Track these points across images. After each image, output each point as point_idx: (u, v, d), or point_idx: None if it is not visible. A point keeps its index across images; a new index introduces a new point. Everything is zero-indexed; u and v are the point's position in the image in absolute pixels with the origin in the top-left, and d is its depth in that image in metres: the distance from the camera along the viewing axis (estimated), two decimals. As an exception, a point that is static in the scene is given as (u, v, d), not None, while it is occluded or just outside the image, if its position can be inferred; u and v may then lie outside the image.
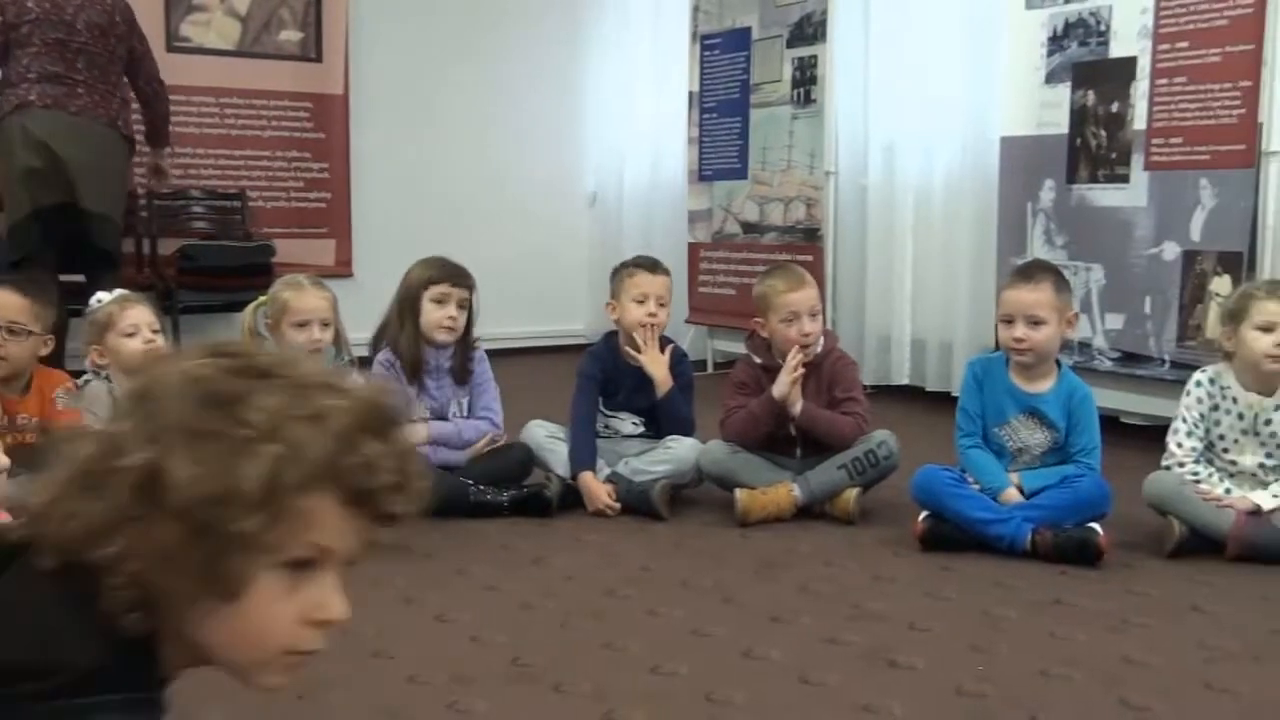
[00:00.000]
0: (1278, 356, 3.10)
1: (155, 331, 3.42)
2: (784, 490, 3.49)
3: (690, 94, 6.67)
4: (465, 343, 3.79)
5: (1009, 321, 3.23)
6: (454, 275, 3.75)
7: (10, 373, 3.19)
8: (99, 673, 0.96)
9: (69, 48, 5.04)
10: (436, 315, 3.71)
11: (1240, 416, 3.18)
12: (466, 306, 3.76)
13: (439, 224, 6.58)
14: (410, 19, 6.93)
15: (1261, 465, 3.17)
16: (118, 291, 3.49)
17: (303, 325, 3.48)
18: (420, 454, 3.27)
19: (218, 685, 1.15)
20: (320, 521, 1.01)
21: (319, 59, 6.74)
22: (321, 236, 6.80)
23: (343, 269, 6.67)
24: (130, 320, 3.38)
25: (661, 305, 3.75)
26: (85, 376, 3.39)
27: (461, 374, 3.78)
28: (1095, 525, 3.08)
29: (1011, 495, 3.17)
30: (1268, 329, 3.11)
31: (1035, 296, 3.20)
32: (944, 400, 5.08)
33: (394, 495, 1.04)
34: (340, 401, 1.02)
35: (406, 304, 3.75)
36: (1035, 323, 3.19)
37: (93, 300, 3.47)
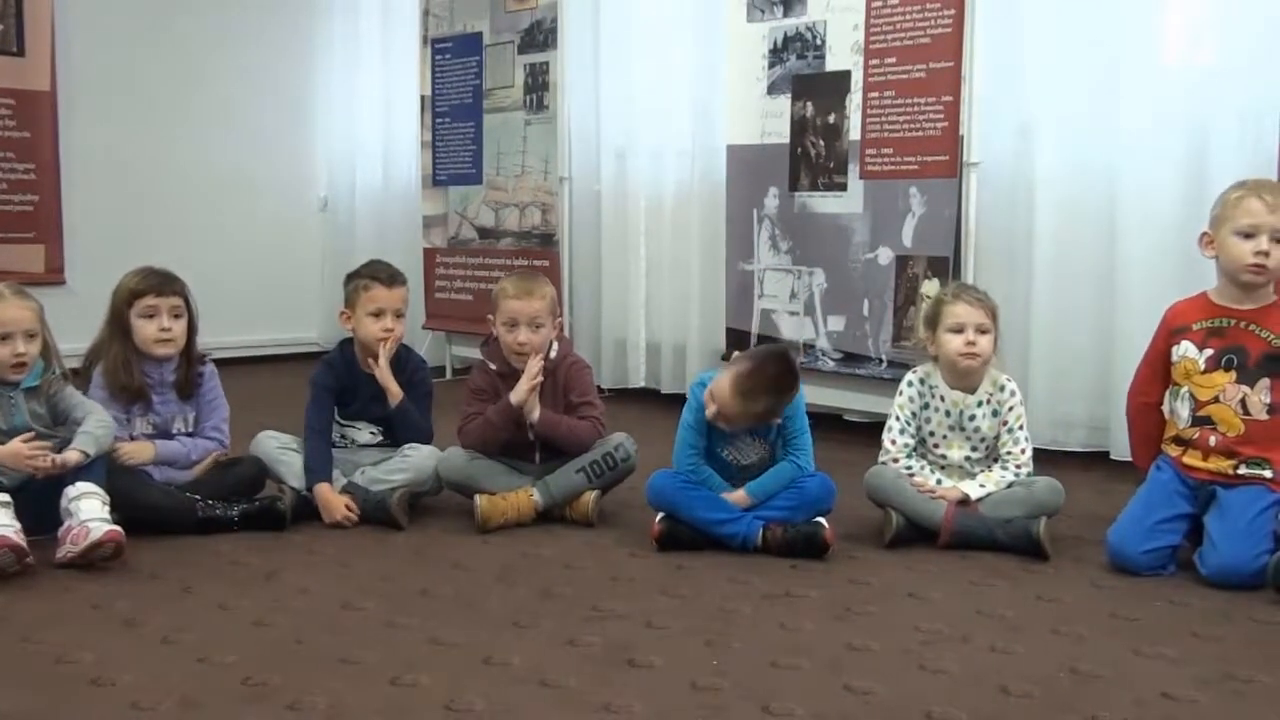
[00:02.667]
0: (968, 354, 3.33)
1: None
2: (524, 495, 3.50)
3: (422, 98, 6.61)
4: (189, 354, 3.63)
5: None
6: (160, 285, 3.57)
7: None
8: None
9: None
10: (149, 330, 3.54)
11: (947, 414, 3.40)
12: (182, 315, 3.60)
13: (160, 227, 6.30)
14: (122, 10, 6.60)
15: (968, 458, 3.40)
16: None
17: (4, 339, 3.25)
18: (145, 471, 3.15)
19: None
20: None
21: (21, 53, 6.33)
22: (29, 241, 6.38)
23: (54, 276, 6.29)
24: None
25: (399, 317, 3.70)
26: None
27: (186, 388, 3.62)
28: (822, 520, 3.22)
29: (741, 497, 3.27)
30: (958, 330, 3.34)
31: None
32: (679, 402, 5.19)
33: None
34: None
35: (115, 320, 3.56)
36: None
37: None
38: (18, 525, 3.00)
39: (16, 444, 3.16)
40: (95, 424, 3.27)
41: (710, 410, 3.24)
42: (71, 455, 3.16)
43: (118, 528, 3.06)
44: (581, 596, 2.87)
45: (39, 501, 3.11)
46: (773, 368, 3.20)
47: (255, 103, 7.09)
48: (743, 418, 3.22)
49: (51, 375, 3.35)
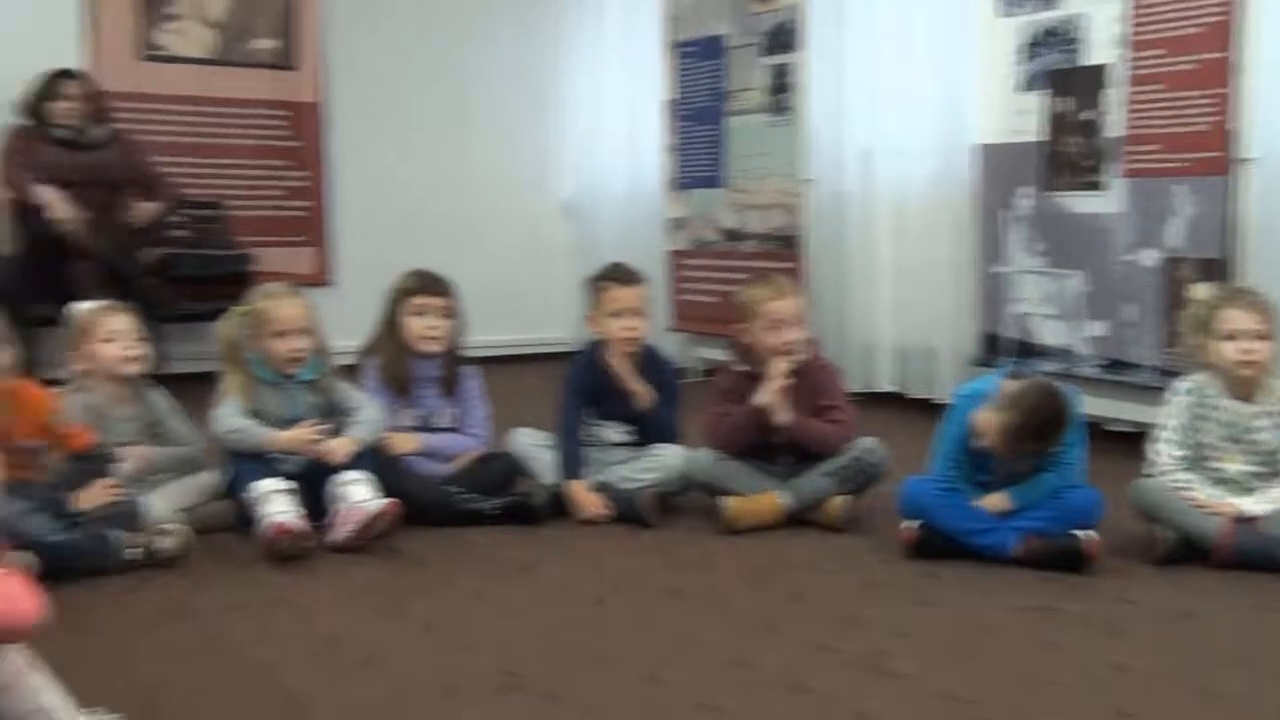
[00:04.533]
0: (1246, 362, 3.13)
1: (138, 339, 3.40)
2: (771, 498, 3.49)
3: (666, 102, 6.68)
4: (453, 353, 3.80)
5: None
6: (431, 285, 3.77)
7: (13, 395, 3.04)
8: None
9: None
10: (418, 326, 3.73)
11: (1225, 425, 3.20)
12: (450, 315, 3.77)
13: (417, 231, 6.56)
14: (382, 27, 6.91)
15: (1248, 472, 3.18)
16: (104, 304, 3.48)
17: (282, 335, 3.46)
18: (409, 462, 3.30)
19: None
20: None
21: (293, 67, 6.71)
22: (301, 245, 6.76)
23: (322, 277, 6.63)
24: (111, 327, 3.37)
25: (638, 316, 3.74)
26: (64, 386, 3.36)
27: (449, 385, 3.79)
28: (1085, 533, 3.08)
29: (1001, 501, 3.16)
30: (1232, 337, 3.14)
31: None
32: (926, 407, 5.09)
33: None
34: None
35: (388, 317, 3.77)
36: None
37: (70, 309, 3.45)
38: (300, 511, 3.18)
39: (300, 430, 3.36)
40: (367, 414, 3.47)
41: (979, 440, 3.13)
42: (345, 442, 3.34)
43: (394, 499, 3.21)
44: (832, 602, 2.84)
45: (313, 490, 3.29)
46: (1041, 417, 3.05)
47: (504, 109, 7.30)
48: (1013, 456, 3.12)
49: (324, 372, 3.54)
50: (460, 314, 3.83)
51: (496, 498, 3.56)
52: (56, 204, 5.22)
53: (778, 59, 5.96)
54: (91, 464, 3.13)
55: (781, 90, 5.94)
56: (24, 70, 5.48)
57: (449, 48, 7.11)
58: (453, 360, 3.81)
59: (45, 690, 1.77)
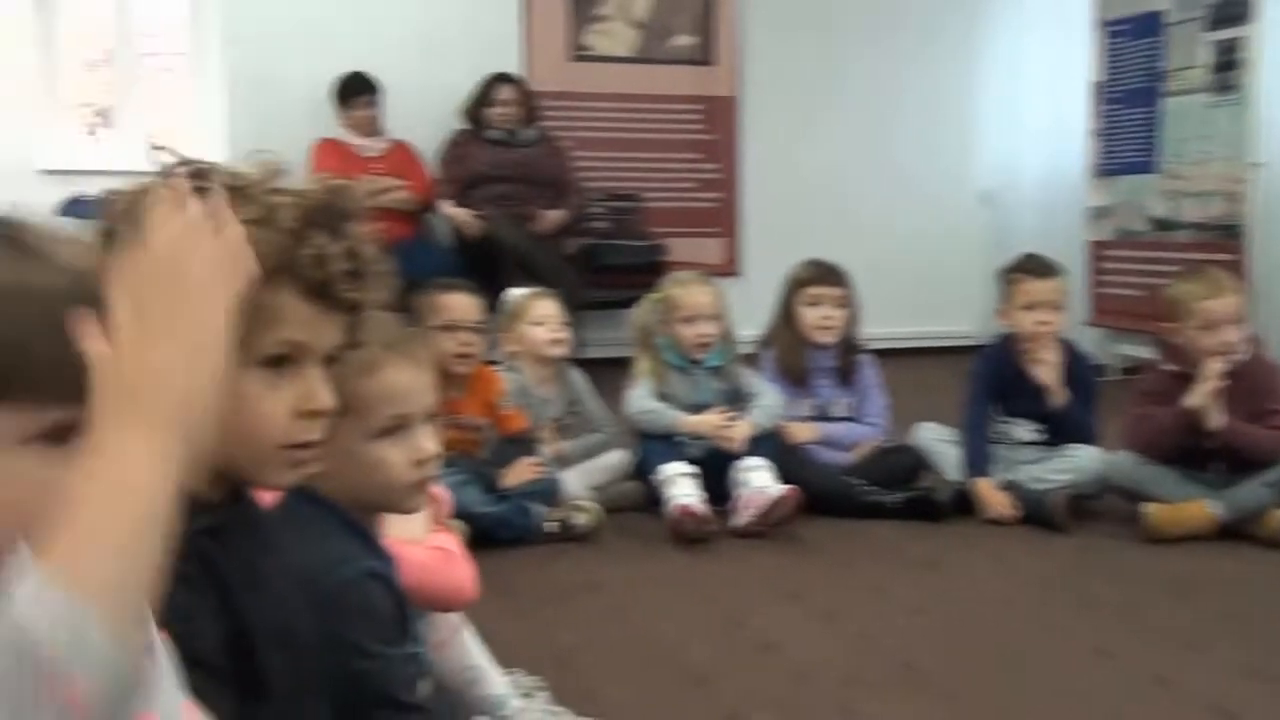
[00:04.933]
0: None
1: (562, 324, 3.60)
2: (1200, 507, 3.22)
3: (1093, 84, 6.31)
4: (848, 343, 3.77)
5: None
6: (826, 276, 3.76)
7: (470, 371, 3.32)
8: None
9: None
10: (812, 316, 3.73)
11: None
12: (844, 305, 3.75)
13: (825, 223, 6.54)
14: (799, 21, 6.94)
15: None
16: (533, 290, 3.71)
17: (690, 320, 3.55)
18: (807, 451, 3.30)
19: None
20: (286, 316, 1.06)
21: (711, 62, 6.88)
22: (711, 236, 6.93)
23: (730, 267, 6.77)
24: (539, 312, 3.58)
25: (1053, 310, 3.56)
26: (496, 366, 3.60)
27: (845, 374, 3.77)
28: None
29: None
30: None
31: None
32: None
33: (351, 283, 1.09)
34: (288, 200, 1.07)
35: (784, 307, 3.80)
36: None
37: (506, 294, 3.70)
38: (702, 495, 3.26)
39: (711, 415, 3.44)
40: (768, 402, 3.51)
41: None
42: (741, 427, 3.39)
43: (795, 486, 3.23)
44: (1268, 623, 2.59)
45: (715, 475, 3.35)
46: None
47: (919, 101, 7.15)
48: None
49: (729, 358, 3.61)
50: (856, 304, 3.79)
51: (899, 491, 3.49)
52: (462, 221, 5.60)
53: (1224, 33, 5.49)
54: (520, 446, 3.35)
55: (1228, 67, 5.47)
56: (470, 75, 5.92)
57: (862, 35, 7.05)
58: (848, 350, 3.79)
59: (475, 650, 1.90)
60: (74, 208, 4.58)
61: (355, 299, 1.10)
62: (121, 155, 5.58)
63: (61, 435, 0.73)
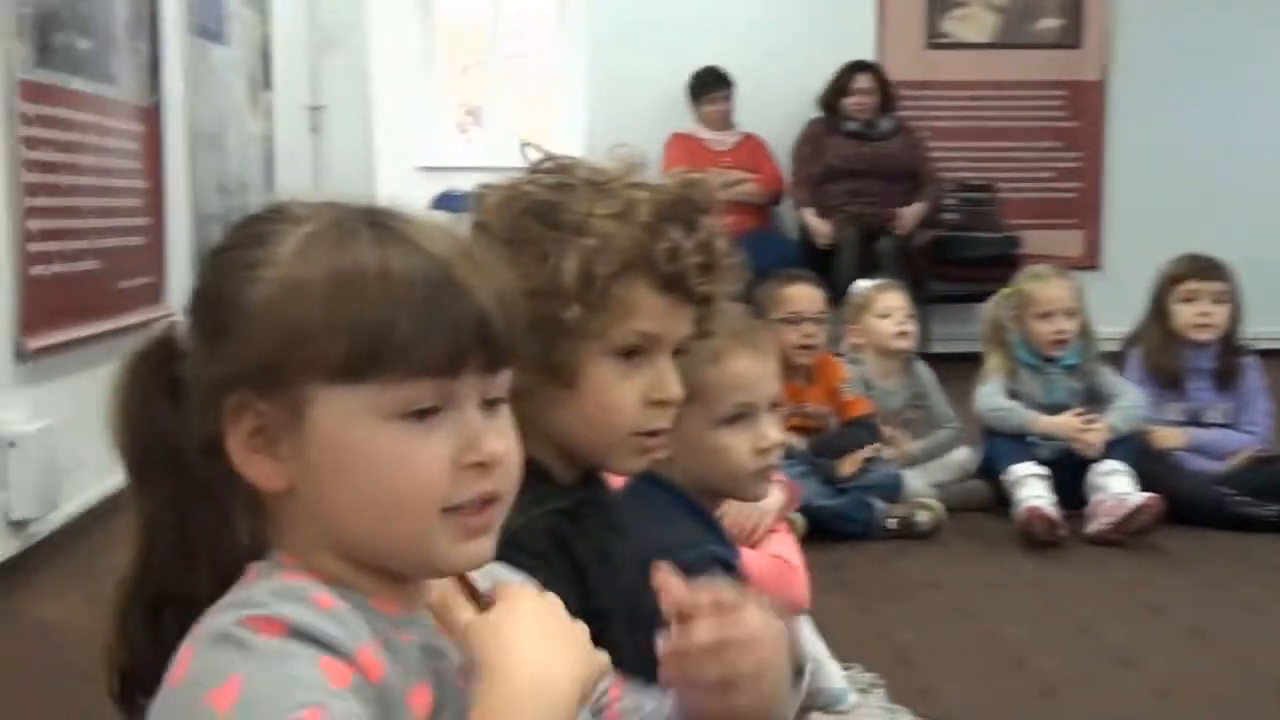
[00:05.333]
0: None
1: (908, 317, 3.53)
2: None
3: None
4: (1229, 343, 3.50)
5: None
6: (1204, 270, 3.51)
7: (812, 362, 3.33)
8: None
9: None
10: (1187, 314, 3.49)
11: None
12: (1225, 302, 3.48)
13: (1197, 215, 6.10)
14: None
15: None
16: (878, 282, 3.67)
17: (1046, 316, 3.40)
18: (1175, 457, 3.10)
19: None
20: (640, 309, 1.09)
21: (1078, 45, 6.56)
22: (1069, 228, 6.62)
23: (1090, 261, 6.44)
24: (886, 304, 3.52)
25: None
26: (840, 358, 3.57)
27: (1225, 378, 3.50)
28: None
29: None
30: None
31: None
32: None
33: (703, 276, 1.10)
34: (645, 195, 1.09)
35: (1156, 304, 3.58)
36: None
37: (854, 287, 3.67)
38: (1053, 498, 3.13)
39: (1069, 417, 3.29)
40: (1129, 403, 3.32)
41: None
42: (1103, 430, 3.23)
43: (1156, 495, 3.05)
44: None
45: (1071, 478, 3.20)
46: None
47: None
48: None
49: (1090, 356, 3.43)
50: (1238, 301, 3.51)
51: (1276, 504, 3.22)
52: (819, 230, 5.56)
53: None
54: (859, 433, 3.31)
55: None
56: (823, 67, 5.89)
57: (1245, 13, 6.53)
58: (1229, 351, 3.51)
59: (813, 641, 1.90)
60: (446, 202, 4.91)
61: (707, 292, 1.12)
62: (490, 152, 5.94)
63: (422, 414, 0.77)
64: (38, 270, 2.91)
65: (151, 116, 3.72)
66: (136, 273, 3.57)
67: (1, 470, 2.74)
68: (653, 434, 1.13)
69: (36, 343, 2.89)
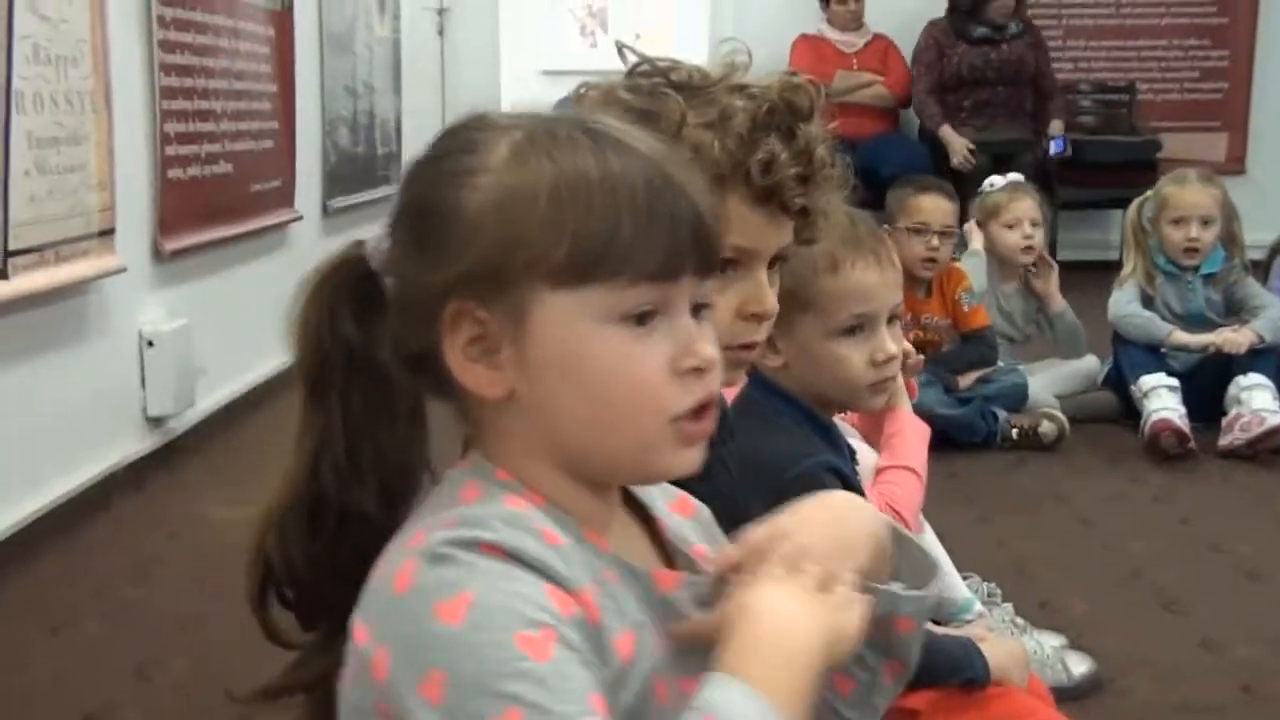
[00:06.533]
0: None
1: (1035, 225, 3.43)
2: None
3: None
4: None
5: None
6: None
7: (937, 274, 3.26)
8: None
9: None
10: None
11: None
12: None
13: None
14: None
15: None
16: (1011, 177, 3.55)
17: (1179, 222, 3.27)
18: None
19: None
20: (734, 223, 1.04)
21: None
22: (1214, 130, 6.34)
23: (1234, 166, 6.17)
24: (1014, 213, 3.42)
25: None
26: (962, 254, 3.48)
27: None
28: None
29: None
30: None
31: None
32: None
33: (800, 188, 1.07)
34: (741, 103, 1.05)
35: None
36: None
37: (986, 183, 3.56)
38: (1183, 410, 3.04)
39: (1203, 335, 3.19)
40: (1275, 314, 3.20)
41: None
42: (1245, 334, 3.13)
43: None
44: None
45: (1205, 390, 3.11)
46: None
47: None
48: None
49: (1231, 264, 3.31)
50: None
51: None
52: (953, 143, 5.37)
53: None
54: (980, 345, 3.26)
55: None
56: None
57: None
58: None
59: (937, 552, 1.88)
60: (567, 106, 4.89)
61: (804, 204, 1.09)
62: (614, 55, 5.88)
63: (642, 318, 0.77)
64: (174, 173, 2.99)
65: (283, 20, 3.77)
66: (267, 176, 3.65)
67: (139, 368, 2.85)
68: (747, 346, 1.11)
69: (173, 244, 2.98)
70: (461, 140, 0.81)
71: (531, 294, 0.76)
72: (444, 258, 0.77)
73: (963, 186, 3.98)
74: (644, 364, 0.77)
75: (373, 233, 0.84)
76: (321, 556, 0.83)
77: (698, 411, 0.79)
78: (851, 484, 1.42)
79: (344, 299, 0.84)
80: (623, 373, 0.77)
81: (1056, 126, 5.49)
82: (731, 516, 1.10)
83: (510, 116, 0.82)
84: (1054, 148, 5.39)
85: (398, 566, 0.74)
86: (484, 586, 0.71)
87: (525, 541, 0.73)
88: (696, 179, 0.81)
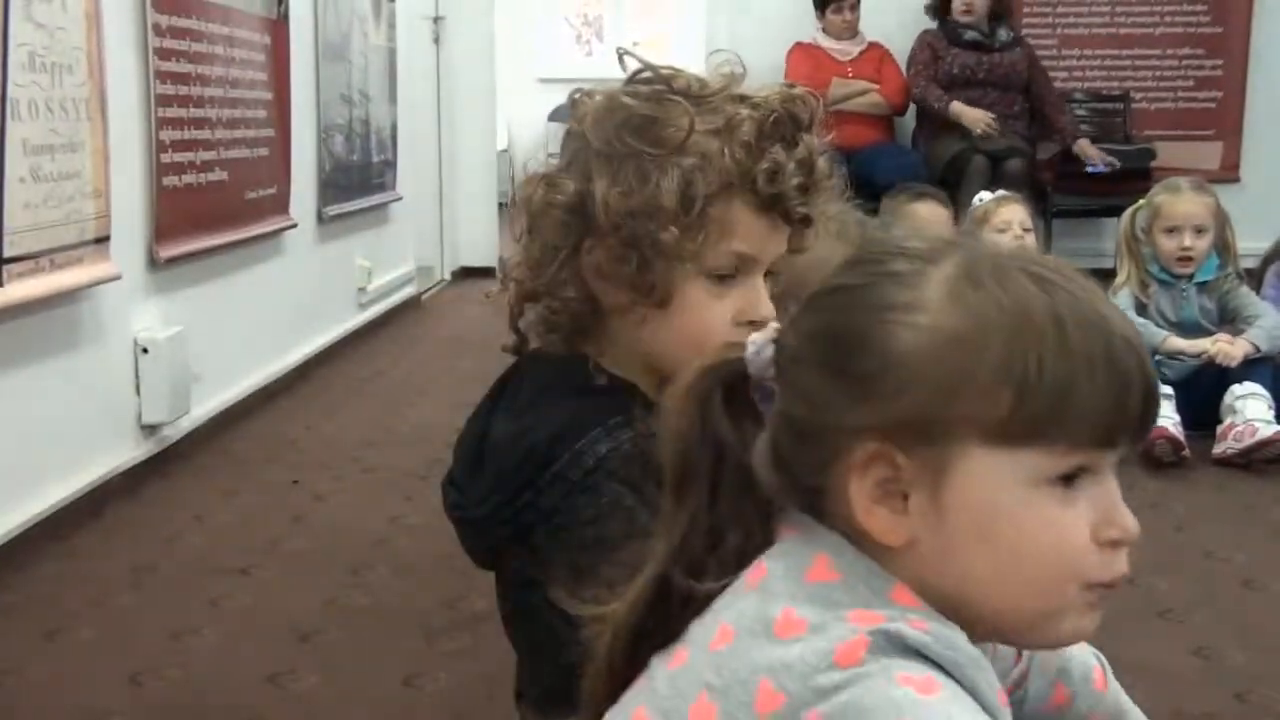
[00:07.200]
0: None
1: (1025, 230, 3.44)
2: None
3: None
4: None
5: None
6: None
7: None
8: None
9: None
10: (1333, 228, 3.34)
11: None
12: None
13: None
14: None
15: None
16: (1000, 193, 3.57)
17: (1174, 231, 3.29)
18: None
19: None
20: (736, 229, 1.07)
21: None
22: (1206, 139, 6.35)
23: (1230, 173, 6.18)
24: (1004, 216, 3.43)
25: None
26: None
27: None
28: None
29: None
30: None
31: None
32: None
33: (802, 197, 1.09)
34: (747, 111, 1.07)
35: None
36: None
37: (976, 199, 3.59)
38: (1177, 419, 3.05)
39: (1197, 342, 3.20)
40: (1270, 323, 3.21)
41: None
42: (1240, 345, 3.13)
43: None
44: None
45: (1200, 398, 3.12)
46: None
47: None
48: None
49: (1225, 273, 3.31)
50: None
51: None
52: (967, 115, 5.40)
53: None
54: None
55: None
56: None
57: None
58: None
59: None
60: (563, 114, 4.90)
61: (805, 213, 1.10)
62: (610, 63, 5.90)
63: (1071, 479, 0.72)
64: (169, 180, 2.99)
65: (279, 28, 3.77)
66: (262, 183, 3.65)
67: (134, 375, 2.84)
68: None
69: (168, 251, 2.97)
70: (886, 270, 0.75)
71: (961, 448, 0.71)
72: (870, 398, 0.72)
73: (956, 195, 3.98)
74: (1070, 532, 0.72)
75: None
76: (657, 624, 0.80)
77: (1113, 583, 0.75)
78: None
79: (721, 399, 0.81)
80: (1047, 541, 0.72)
81: (1089, 151, 5.52)
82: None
83: (931, 241, 0.77)
84: (1094, 169, 5.44)
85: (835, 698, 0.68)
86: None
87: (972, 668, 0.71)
88: (1135, 330, 0.75)
